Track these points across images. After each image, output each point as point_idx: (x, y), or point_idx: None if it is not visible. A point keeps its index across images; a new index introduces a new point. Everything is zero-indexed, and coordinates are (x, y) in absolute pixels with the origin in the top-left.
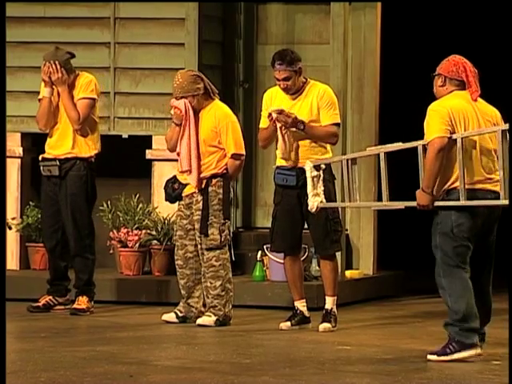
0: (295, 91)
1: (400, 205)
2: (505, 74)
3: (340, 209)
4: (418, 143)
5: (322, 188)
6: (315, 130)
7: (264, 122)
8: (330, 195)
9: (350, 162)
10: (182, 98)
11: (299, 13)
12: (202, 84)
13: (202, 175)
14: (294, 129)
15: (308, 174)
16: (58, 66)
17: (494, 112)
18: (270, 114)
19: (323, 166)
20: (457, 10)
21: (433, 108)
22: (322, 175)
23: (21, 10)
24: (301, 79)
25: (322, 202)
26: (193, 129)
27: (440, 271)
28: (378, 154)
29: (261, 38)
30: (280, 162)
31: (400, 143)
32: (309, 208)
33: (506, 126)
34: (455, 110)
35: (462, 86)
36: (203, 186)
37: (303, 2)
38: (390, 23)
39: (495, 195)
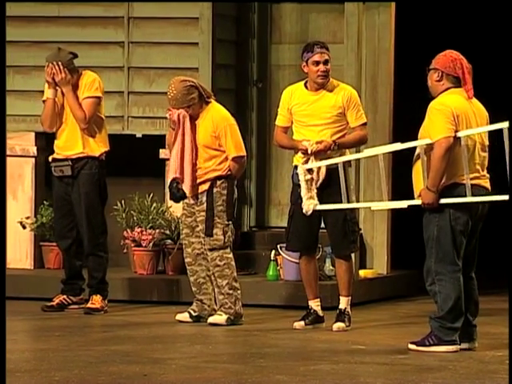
0: (318, 86)
1: (402, 204)
2: None
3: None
4: (418, 144)
5: (315, 191)
6: (347, 143)
7: (281, 120)
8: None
9: (346, 164)
10: (177, 109)
11: (313, 12)
12: (196, 92)
13: (206, 177)
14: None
15: (301, 178)
16: (61, 67)
17: (484, 111)
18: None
19: (315, 169)
20: (471, 9)
21: (436, 107)
22: (314, 178)
23: (35, 10)
24: None
25: (316, 204)
26: (188, 136)
27: (432, 265)
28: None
29: (275, 37)
30: (297, 162)
31: (399, 143)
32: (304, 211)
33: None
34: (457, 109)
35: (457, 82)
36: (207, 187)
37: (317, 1)
38: (404, 22)
39: (486, 191)
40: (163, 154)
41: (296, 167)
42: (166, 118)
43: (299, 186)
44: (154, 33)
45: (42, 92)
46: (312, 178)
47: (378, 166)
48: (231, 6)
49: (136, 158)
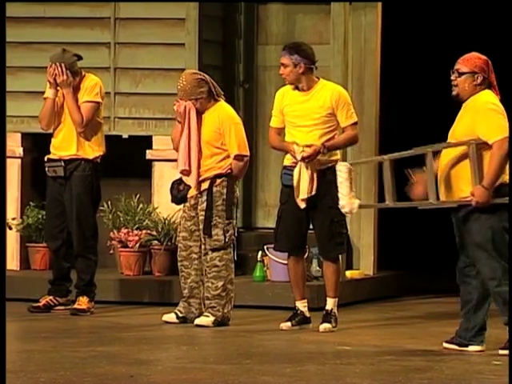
0: (305, 88)
1: (453, 203)
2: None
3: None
4: (468, 142)
5: (354, 190)
6: (336, 144)
7: (274, 121)
8: (335, 198)
9: (389, 161)
10: (185, 101)
11: (299, 13)
12: (206, 87)
13: (205, 176)
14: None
15: (344, 176)
16: (64, 69)
17: None
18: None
19: (353, 168)
20: (457, 10)
21: (489, 107)
22: (352, 177)
23: (21, 10)
24: (310, 78)
25: (359, 203)
26: (194, 130)
27: (498, 274)
28: (425, 154)
29: (261, 38)
30: (287, 162)
31: (446, 142)
32: (347, 210)
33: None
34: (504, 109)
35: (487, 85)
36: (206, 186)
37: (304, 1)
38: (391, 23)
39: None
40: (150, 154)
41: (285, 168)
42: (152, 118)
43: (288, 186)
44: (141, 33)
45: (28, 93)
46: (351, 178)
47: (363, 167)
48: (217, 6)
49: (122, 159)
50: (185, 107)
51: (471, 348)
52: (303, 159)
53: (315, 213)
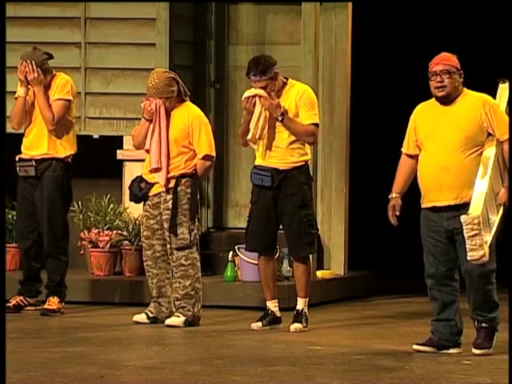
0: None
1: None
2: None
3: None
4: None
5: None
6: (293, 124)
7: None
8: (305, 198)
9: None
10: (155, 98)
11: (270, 13)
12: (176, 87)
13: (170, 175)
14: (274, 112)
15: (469, 232)
16: (35, 66)
17: None
18: (248, 97)
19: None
20: (427, 10)
21: (495, 102)
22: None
23: None
24: (280, 81)
25: (484, 255)
26: (164, 128)
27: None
28: None
29: (232, 38)
30: (258, 162)
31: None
32: (478, 262)
33: None
34: None
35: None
36: (171, 185)
37: (274, 2)
38: (361, 23)
39: None
40: (120, 154)
41: (255, 167)
42: (123, 118)
43: (258, 186)
44: (111, 33)
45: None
46: (479, 233)
47: (333, 168)
48: (188, 6)
49: (93, 159)
50: (156, 104)
51: (452, 350)
52: (259, 97)
53: (284, 213)
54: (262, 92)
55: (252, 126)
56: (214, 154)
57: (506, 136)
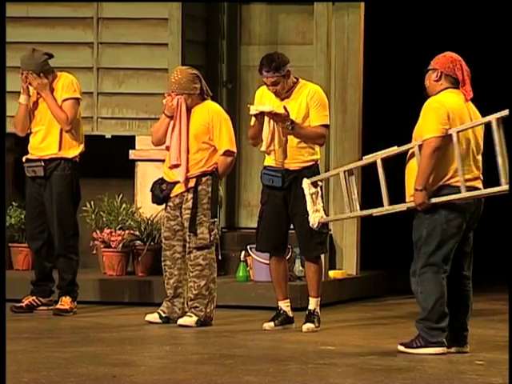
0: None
1: (402, 207)
2: (492, 76)
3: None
4: (414, 145)
5: (322, 204)
6: (303, 130)
7: (253, 120)
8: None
9: (347, 173)
10: (177, 94)
11: (282, 13)
12: (199, 85)
13: (190, 173)
14: (283, 124)
15: (306, 192)
16: (35, 75)
17: (479, 115)
18: (257, 114)
19: (320, 183)
20: (440, 10)
21: (431, 105)
22: (319, 191)
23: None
24: (291, 80)
25: (322, 217)
26: (184, 124)
27: (417, 268)
28: (375, 161)
29: (244, 38)
30: (268, 162)
31: (395, 147)
32: (310, 224)
33: (502, 114)
34: (453, 109)
35: (455, 84)
36: (192, 184)
37: (286, 2)
38: (374, 23)
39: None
40: (133, 154)
41: (265, 168)
42: (135, 118)
43: (268, 186)
44: (123, 33)
45: (9, 93)
46: (317, 192)
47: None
48: (200, 6)
49: (105, 159)
50: (177, 101)
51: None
52: (270, 113)
53: (296, 213)
54: (267, 108)
55: (265, 138)
56: (235, 149)
57: (424, 138)
